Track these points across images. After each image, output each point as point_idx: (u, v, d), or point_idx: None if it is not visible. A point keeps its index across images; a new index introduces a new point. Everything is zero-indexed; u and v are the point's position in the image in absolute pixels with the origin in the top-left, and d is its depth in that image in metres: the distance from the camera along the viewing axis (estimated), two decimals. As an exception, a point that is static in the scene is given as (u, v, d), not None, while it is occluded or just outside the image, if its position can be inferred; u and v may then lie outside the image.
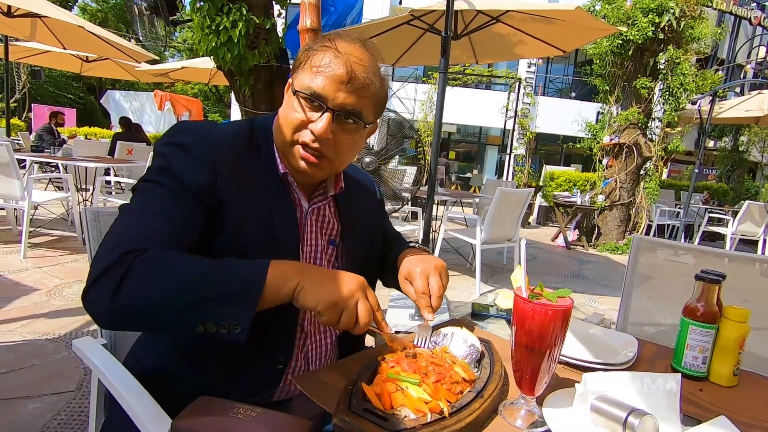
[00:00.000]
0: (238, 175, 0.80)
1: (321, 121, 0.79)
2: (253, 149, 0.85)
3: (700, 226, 7.49)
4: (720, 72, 9.73)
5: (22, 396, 1.87)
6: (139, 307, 0.66)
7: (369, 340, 1.06)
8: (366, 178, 1.10)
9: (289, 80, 0.84)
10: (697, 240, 7.34)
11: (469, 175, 16.29)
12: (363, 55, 0.80)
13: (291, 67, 0.87)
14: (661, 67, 6.90)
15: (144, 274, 0.66)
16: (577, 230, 7.24)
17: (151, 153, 4.37)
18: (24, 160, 4.94)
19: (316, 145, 0.80)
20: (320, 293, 0.67)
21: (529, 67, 14.18)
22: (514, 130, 12.06)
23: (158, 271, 0.67)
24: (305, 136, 0.81)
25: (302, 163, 0.83)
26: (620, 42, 6.72)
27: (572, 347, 0.92)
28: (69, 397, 1.89)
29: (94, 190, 4.72)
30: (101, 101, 15.91)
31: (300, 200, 0.89)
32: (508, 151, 12.38)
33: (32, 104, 13.76)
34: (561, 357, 0.84)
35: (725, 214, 7.37)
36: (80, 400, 1.88)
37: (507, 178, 11.90)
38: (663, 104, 7.02)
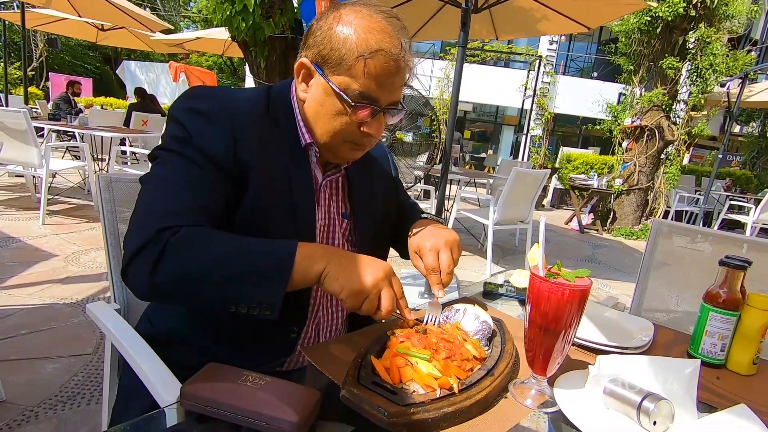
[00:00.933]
0: (258, 142, 0.79)
1: (377, 124, 0.80)
2: (272, 118, 0.84)
3: (719, 213, 7.31)
4: (753, 53, 9.30)
5: (41, 357, 1.94)
6: (176, 285, 0.68)
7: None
8: (379, 149, 1.07)
9: (320, 78, 0.78)
10: (715, 227, 7.17)
11: (483, 155, 16.06)
12: (407, 45, 0.78)
13: (313, 52, 0.79)
14: (690, 46, 6.60)
15: (179, 253, 0.67)
16: (591, 214, 7.13)
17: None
18: (42, 129, 5.00)
19: (368, 144, 0.83)
20: (345, 279, 0.67)
21: (550, 44, 13.70)
22: (531, 110, 11.78)
23: (192, 250, 0.68)
24: (359, 138, 0.81)
25: (350, 156, 0.86)
26: (648, 19, 6.43)
27: (586, 329, 0.90)
28: (86, 360, 1.95)
29: (109, 159, 4.77)
30: (117, 71, 15.95)
31: (315, 172, 0.88)
32: (524, 132, 12.13)
33: (49, 73, 13.84)
34: (575, 339, 0.82)
35: (747, 202, 7.17)
36: (96, 362, 1.94)
37: (522, 159, 11.70)
38: (689, 86, 6.75)
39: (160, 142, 0.81)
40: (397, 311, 0.73)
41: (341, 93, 0.76)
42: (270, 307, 0.65)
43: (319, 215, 0.88)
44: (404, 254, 1.04)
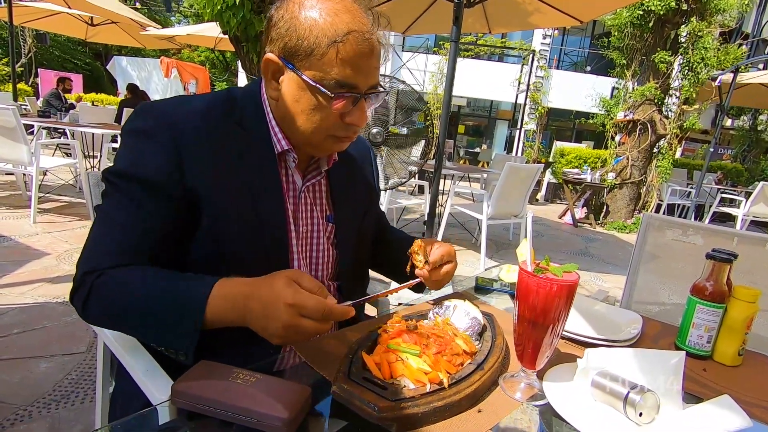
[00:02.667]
0: (211, 156, 0.74)
1: (360, 112, 0.75)
2: (234, 124, 0.77)
3: (711, 206, 7.38)
4: (744, 47, 9.35)
5: (34, 356, 1.93)
6: (105, 325, 0.75)
7: (371, 310, 1.07)
8: (359, 144, 1.02)
9: (291, 72, 0.72)
10: (707, 220, 7.24)
11: (477, 149, 16.08)
12: (373, 23, 0.73)
13: (279, 45, 0.73)
14: (682, 40, 6.63)
15: (99, 300, 0.69)
16: (585, 208, 7.17)
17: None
18: (32, 126, 4.94)
19: (353, 134, 0.79)
20: (263, 332, 0.63)
21: (543, 38, 13.72)
22: (525, 104, 11.80)
23: (108, 298, 0.69)
24: (342, 130, 0.76)
25: (335, 148, 0.81)
26: (641, 13, 6.45)
27: (575, 323, 0.91)
28: (79, 358, 1.95)
29: (101, 156, 4.73)
30: (107, 67, 15.75)
31: (293, 177, 0.83)
32: (518, 126, 12.16)
33: (38, 69, 13.66)
34: (564, 332, 0.83)
35: (738, 195, 7.24)
36: (90, 361, 1.93)
37: (516, 154, 11.73)
38: (681, 80, 6.79)
39: (114, 159, 0.77)
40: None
41: (317, 85, 0.71)
42: (183, 353, 0.66)
43: (301, 222, 0.85)
44: (381, 263, 1.07)
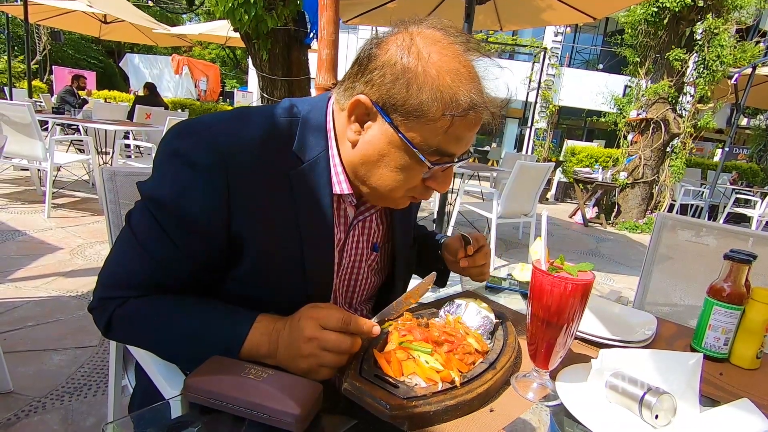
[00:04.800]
0: (262, 195, 0.67)
1: (446, 178, 0.71)
2: (292, 156, 0.69)
3: (725, 207, 7.25)
4: (761, 44, 9.16)
5: (49, 348, 1.96)
6: (128, 345, 0.74)
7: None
8: None
9: (384, 124, 0.65)
10: (721, 221, 7.12)
11: (487, 148, 15.97)
12: (489, 91, 0.67)
13: (379, 92, 0.64)
14: (698, 37, 6.51)
15: (125, 329, 0.69)
16: (596, 207, 7.10)
17: (168, 121, 4.38)
18: (46, 122, 5.01)
19: (430, 196, 0.76)
20: (293, 369, 0.61)
21: (555, 36, 13.57)
22: (536, 102, 11.68)
23: (138, 330, 0.68)
24: (421, 192, 0.72)
25: (402, 204, 0.75)
26: (655, 10, 6.35)
27: (589, 323, 0.90)
28: (92, 352, 1.97)
29: (113, 152, 4.79)
30: (120, 64, 15.94)
31: (346, 210, 0.78)
32: (529, 125, 12.05)
33: (53, 66, 13.86)
34: (577, 332, 0.82)
35: (753, 196, 7.11)
36: (102, 354, 1.96)
37: (527, 152, 11.63)
38: (696, 78, 6.67)
39: (150, 180, 0.69)
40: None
41: (415, 150, 0.64)
42: None
43: (345, 256, 0.81)
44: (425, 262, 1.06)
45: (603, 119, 8.14)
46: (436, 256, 1.01)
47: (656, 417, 0.58)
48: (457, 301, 0.81)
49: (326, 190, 0.72)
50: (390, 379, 0.59)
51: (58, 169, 5.32)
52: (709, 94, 6.71)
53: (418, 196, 0.73)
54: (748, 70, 5.65)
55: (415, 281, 0.80)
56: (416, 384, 0.59)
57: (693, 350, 0.88)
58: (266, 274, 0.70)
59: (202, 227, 0.65)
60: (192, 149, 0.64)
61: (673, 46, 6.52)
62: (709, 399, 0.69)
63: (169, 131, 0.67)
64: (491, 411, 0.61)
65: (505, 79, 0.68)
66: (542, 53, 11.67)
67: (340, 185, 0.72)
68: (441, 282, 1.05)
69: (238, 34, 3.88)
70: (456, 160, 0.68)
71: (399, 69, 0.62)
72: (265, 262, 0.69)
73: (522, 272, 1.11)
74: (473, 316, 0.77)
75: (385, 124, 0.65)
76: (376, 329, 0.63)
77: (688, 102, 6.97)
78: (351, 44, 12.07)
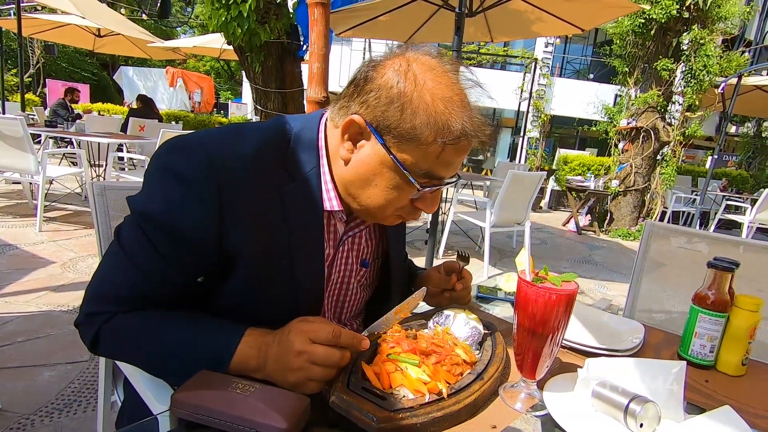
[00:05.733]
0: (254, 211, 0.67)
1: (434, 199, 0.73)
2: (284, 172, 0.70)
3: (716, 213, 7.33)
4: (746, 54, 9.35)
5: (38, 364, 1.94)
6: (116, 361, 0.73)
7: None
8: None
9: (377, 144, 0.66)
10: (712, 228, 7.20)
11: (480, 157, 16.09)
12: (481, 121, 0.69)
13: (374, 113, 0.66)
14: (684, 48, 6.64)
15: (112, 345, 0.68)
16: (589, 215, 7.15)
17: (161, 133, 4.38)
18: (39, 135, 5.00)
19: (418, 216, 0.77)
20: (282, 383, 0.61)
21: (546, 47, 13.78)
22: (528, 112, 11.82)
23: (125, 345, 0.68)
24: (409, 212, 0.74)
25: (392, 223, 0.77)
26: (642, 21, 6.47)
27: (577, 332, 0.91)
28: (82, 367, 1.95)
29: (106, 165, 4.77)
30: (114, 77, 15.96)
31: (335, 226, 0.79)
32: (521, 134, 12.18)
33: (46, 80, 13.85)
34: (564, 341, 0.83)
35: (743, 202, 7.20)
36: (93, 370, 1.94)
37: (519, 161, 11.73)
38: (684, 87, 6.79)
39: (140, 193, 0.69)
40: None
41: (406, 172, 0.66)
42: None
43: (334, 271, 0.81)
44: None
45: (594, 128, 8.23)
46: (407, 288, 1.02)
47: (641, 425, 0.59)
48: (446, 311, 0.82)
49: (317, 205, 0.73)
50: (377, 392, 0.59)
51: (51, 182, 5.30)
52: (697, 102, 6.83)
53: (405, 215, 0.74)
54: (734, 80, 5.76)
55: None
56: (404, 396, 0.60)
57: (680, 358, 0.89)
58: (257, 287, 0.71)
59: (192, 241, 0.65)
60: (184, 164, 0.65)
61: (660, 56, 6.64)
62: (694, 406, 0.70)
63: (162, 146, 0.68)
64: (494, 428, 0.60)
65: (493, 108, 0.71)
66: (533, 64, 11.84)
67: (331, 201, 0.74)
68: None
69: (231, 47, 3.91)
70: (444, 182, 0.70)
71: (395, 93, 0.64)
72: (257, 276, 0.70)
73: (508, 282, 1.12)
74: (462, 326, 0.77)
75: (378, 145, 0.66)
76: (366, 343, 0.63)
77: (677, 110, 7.08)
78: (344, 56, 12.19)
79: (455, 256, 0.94)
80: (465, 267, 0.93)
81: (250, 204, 0.67)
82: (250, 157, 0.67)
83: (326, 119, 0.75)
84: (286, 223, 0.70)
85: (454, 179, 0.72)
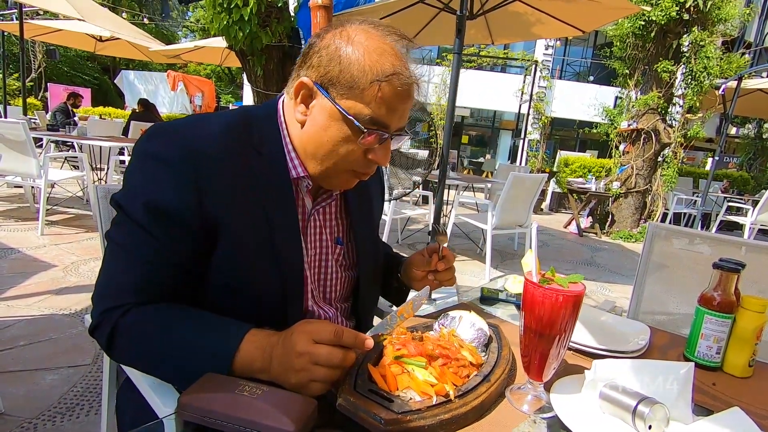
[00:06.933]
0: (230, 186, 0.72)
1: (384, 151, 0.75)
2: (252, 148, 0.76)
3: (717, 215, 7.32)
4: (746, 55, 9.36)
5: (40, 368, 1.93)
6: (133, 367, 0.74)
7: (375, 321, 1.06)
8: None
9: (324, 100, 0.72)
10: (714, 229, 7.18)
11: (481, 159, 16.10)
12: (413, 70, 0.74)
13: (318, 72, 0.72)
14: (685, 49, 6.65)
15: (126, 344, 0.69)
16: (590, 217, 7.15)
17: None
18: (41, 139, 5.01)
19: (371, 171, 0.79)
20: (285, 384, 0.62)
21: (546, 49, 13.81)
22: (528, 114, 11.83)
23: (138, 344, 0.69)
24: (363, 166, 0.76)
25: (348, 184, 0.81)
26: (642, 23, 6.49)
27: (583, 334, 0.90)
28: (85, 371, 1.95)
29: (108, 169, 4.78)
30: (115, 81, 16.01)
31: (304, 200, 0.83)
32: (522, 136, 12.19)
33: (48, 84, 13.90)
34: (571, 343, 0.82)
35: (745, 204, 7.19)
36: (95, 373, 1.93)
37: (520, 164, 11.73)
38: (684, 89, 6.79)
39: (123, 183, 0.74)
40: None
41: (351, 118, 0.70)
42: None
43: (309, 246, 0.84)
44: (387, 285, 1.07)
45: (595, 130, 8.25)
46: (395, 276, 1.02)
47: (649, 427, 0.58)
48: (452, 313, 0.82)
49: (285, 175, 0.78)
50: (384, 394, 0.59)
51: (52, 186, 5.30)
52: (697, 104, 6.82)
53: (360, 169, 0.77)
54: (734, 82, 5.77)
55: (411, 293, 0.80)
56: (411, 398, 0.59)
57: (686, 359, 0.88)
58: (240, 258, 0.74)
59: (177, 216, 0.69)
60: (162, 148, 0.70)
61: (661, 58, 6.65)
62: (702, 408, 0.70)
63: (140, 138, 0.74)
64: (486, 424, 0.61)
65: (418, 55, 0.77)
66: (533, 66, 11.86)
67: (296, 169, 0.79)
68: (397, 301, 1.07)
69: (233, 52, 3.92)
70: (392, 133, 0.75)
71: (333, 50, 0.71)
72: (238, 246, 0.73)
73: (514, 284, 1.12)
74: (467, 328, 0.77)
75: (325, 100, 0.72)
76: (369, 342, 0.63)
77: (677, 112, 7.08)
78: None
79: (430, 236, 0.93)
80: (444, 245, 0.92)
81: (225, 178, 0.72)
82: (220, 137, 0.73)
83: (284, 97, 0.82)
84: (258, 194, 0.75)
85: (402, 133, 0.77)
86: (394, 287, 1.04)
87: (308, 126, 0.75)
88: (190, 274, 0.73)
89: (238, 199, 0.73)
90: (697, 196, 7.53)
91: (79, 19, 6.14)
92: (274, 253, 0.76)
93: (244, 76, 4.66)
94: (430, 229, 0.93)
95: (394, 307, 1.03)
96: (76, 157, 5.57)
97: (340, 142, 0.73)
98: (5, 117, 6.63)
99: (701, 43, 6.45)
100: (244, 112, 0.80)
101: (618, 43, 7.09)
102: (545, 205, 9.40)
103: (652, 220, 7.11)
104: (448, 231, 4.36)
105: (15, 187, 5.34)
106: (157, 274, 0.70)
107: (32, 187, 4.40)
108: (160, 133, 0.73)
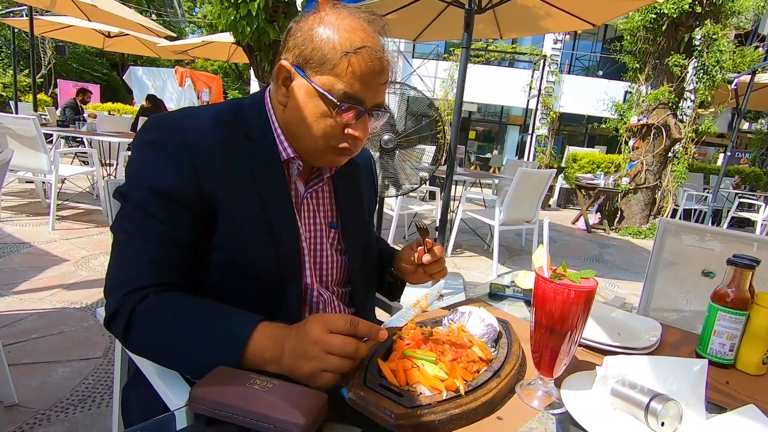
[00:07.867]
0: (225, 169, 0.76)
1: (363, 125, 0.78)
2: (243, 135, 0.79)
3: (729, 211, 7.22)
4: (760, 49, 9.18)
5: (52, 360, 1.96)
6: (146, 356, 0.74)
7: (383, 315, 1.06)
8: (363, 156, 1.05)
9: (301, 79, 0.75)
10: (725, 226, 7.09)
11: (489, 155, 16.01)
12: (384, 46, 0.77)
13: (294, 53, 0.76)
14: (697, 43, 6.54)
15: (143, 332, 0.69)
16: (598, 213, 7.08)
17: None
18: (51, 135, 5.06)
19: (354, 147, 0.80)
20: (297, 373, 0.62)
21: (555, 43, 13.66)
22: (537, 109, 11.73)
23: (154, 332, 0.69)
24: (344, 140, 0.79)
25: (336, 161, 0.83)
26: (654, 16, 6.39)
27: (593, 330, 0.90)
28: (96, 363, 1.97)
29: (117, 164, 4.82)
30: (123, 77, 16.11)
31: (297, 184, 0.86)
32: (530, 132, 12.09)
33: (57, 80, 14.02)
34: (581, 339, 0.82)
35: (757, 200, 7.08)
36: (107, 366, 1.96)
37: (528, 159, 11.65)
38: (696, 83, 6.69)
39: (126, 174, 0.77)
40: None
41: (325, 93, 0.73)
42: None
43: (303, 228, 0.86)
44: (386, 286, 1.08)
45: (604, 125, 8.14)
46: (388, 271, 1.04)
47: (662, 424, 0.58)
48: (461, 309, 0.82)
49: (275, 158, 0.81)
50: (394, 388, 0.59)
51: (63, 182, 5.36)
52: (709, 99, 6.71)
53: (342, 145, 0.79)
54: (748, 76, 5.66)
55: (424, 290, 0.80)
56: (421, 393, 0.59)
57: (698, 356, 0.87)
58: (239, 236, 0.76)
59: (179, 198, 0.72)
60: (159, 135, 0.74)
61: (672, 52, 6.55)
62: (715, 405, 0.69)
63: (139, 131, 0.77)
64: (499, 419, 0.61)
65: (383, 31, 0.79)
66: (542, 61, 11.75)
67: (286, 151, 0.82)
68: (392, 296, 1.09)
69: (240, 47, 3.92)
70: (368, 109, 0.77)
71: (306, 31, 0.75)
72: (236, 224, 0.76)
73: (524, 279, 1.11)
74: (477, 324, 0.77)
75: (301, 79, 0.76)
76: (384, 333, 0.63)
77: (688, 107, 6.98)
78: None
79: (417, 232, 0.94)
80: (429, 239, 0.92)
81: (218, 159, 0.75)
82: (211, 123, 0.78)
83: (271, 84, 0.84)
84: (251, 177, 0.78)
85: (379, 110, 0.79)
86: (389, 282, 1.05)
87: (289, 106, 0.79)
88: (197, 256, 0.75)
89: (233, 181, 0.76)
90: (708, 192, 7.43)
91: (85, 22, 6.18)
92: (271, 230, 0.79)
93: (252, 71, 4.67)
94: (417, 227, 0.94)
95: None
96: (86, 153, 5.62)
97: (318, 118, 0.76)
98: (16, 113, 6.71)
99: (714, 37, 6.33)
100: (234, 103, 0.84)
101: (628, 37, 6.99)
102: (553, 201, 9.34)
103: (662, 216, 7.03)
104: (455, 227, 4.35)
105: (26, 182, 5.41)
106: (167, 255, 0.72)
107: (43, 182, 4.45)
108: (156, 124, 0.76)
